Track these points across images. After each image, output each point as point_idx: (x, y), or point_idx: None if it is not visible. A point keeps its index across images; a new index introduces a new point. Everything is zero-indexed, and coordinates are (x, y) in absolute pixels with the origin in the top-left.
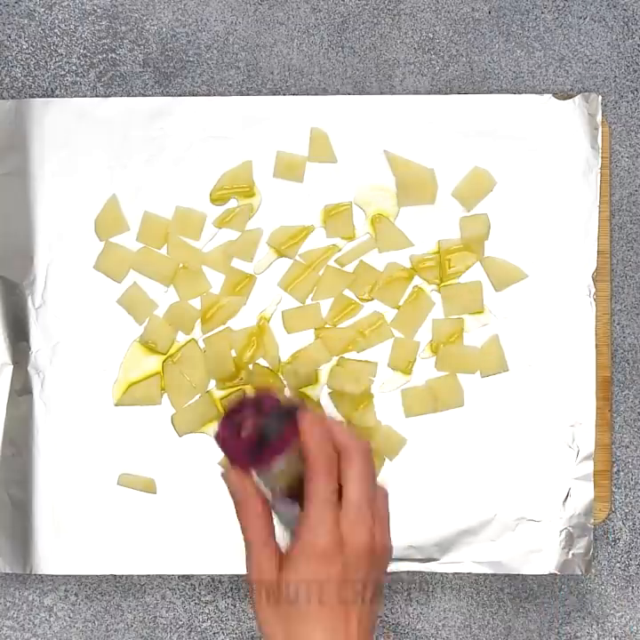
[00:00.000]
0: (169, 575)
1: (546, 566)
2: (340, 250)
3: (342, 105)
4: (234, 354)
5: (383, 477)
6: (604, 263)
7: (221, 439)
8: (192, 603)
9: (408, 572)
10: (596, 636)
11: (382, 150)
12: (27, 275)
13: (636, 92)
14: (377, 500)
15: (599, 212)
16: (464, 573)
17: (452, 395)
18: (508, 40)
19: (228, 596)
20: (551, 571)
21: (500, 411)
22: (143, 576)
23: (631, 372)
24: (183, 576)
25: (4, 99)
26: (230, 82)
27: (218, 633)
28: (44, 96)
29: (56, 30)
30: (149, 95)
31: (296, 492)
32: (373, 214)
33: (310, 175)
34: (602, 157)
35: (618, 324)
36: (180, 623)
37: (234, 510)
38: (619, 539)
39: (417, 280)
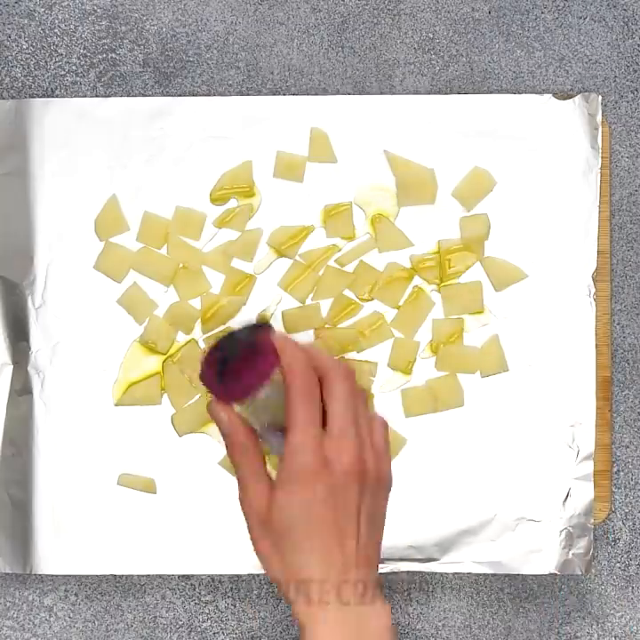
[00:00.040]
0: (169, 575)
1: (546, 566)
2: (339, 250)
3: (342, 105)
4: None
5: None
6: (604, 263)
7: (201, 377)
8: (192, 603)
9: (408, 571)
10: (595, 636)
11: (382, 150)
12: (27, 275)
13: (636, 92)
14: (371, 427)
15: (599, 211)
16: (464, 573)
17: (452, 395)
18: (508, 40)
19: (228, 596)
20: (551, 571)
21: (500, 411)
22: (143, 576)
23: (631, 372)
24: (183, 576)
25: (3, 99)
26: (230, 82)
27: (218, 633)
28: (44, 96)
29: (56, 30)
30: (149, 95)
31: (284, 425)
32: (373, 214)
33: (310, 175)
34: (602, 157)
35: (618, 324)
36: (180, 623)
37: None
38: (619, 539)
39: (417, 280)
